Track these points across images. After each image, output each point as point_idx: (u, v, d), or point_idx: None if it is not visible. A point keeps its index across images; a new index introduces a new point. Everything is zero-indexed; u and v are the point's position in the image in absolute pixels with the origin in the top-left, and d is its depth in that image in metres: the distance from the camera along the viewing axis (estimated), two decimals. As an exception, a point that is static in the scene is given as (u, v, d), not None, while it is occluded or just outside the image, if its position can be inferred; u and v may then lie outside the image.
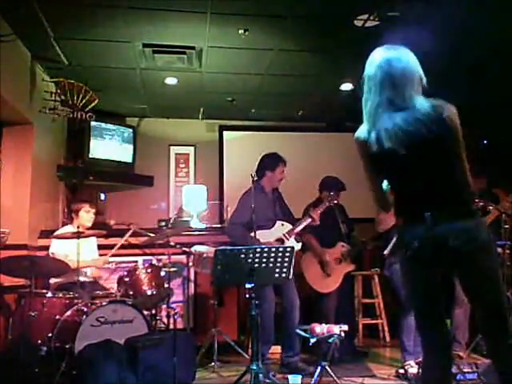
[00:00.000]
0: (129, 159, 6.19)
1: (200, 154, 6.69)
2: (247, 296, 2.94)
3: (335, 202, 4.15)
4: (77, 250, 3.76)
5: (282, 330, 3.93)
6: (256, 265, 2.93)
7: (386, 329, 5.33)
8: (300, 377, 3.47)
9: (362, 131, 2.03)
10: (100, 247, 4.54)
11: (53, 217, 5.40)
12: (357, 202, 4.74)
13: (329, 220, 4.34)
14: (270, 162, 4.11)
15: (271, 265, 3.00)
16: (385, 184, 2.11)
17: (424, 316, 2.04)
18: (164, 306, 4.28)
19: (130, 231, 4.47)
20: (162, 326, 4.27)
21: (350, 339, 4.35)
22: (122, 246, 4.46)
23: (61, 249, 4.11)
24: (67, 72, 4.80)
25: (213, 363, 4.04)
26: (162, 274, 4.06)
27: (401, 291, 3.78)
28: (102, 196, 5.97)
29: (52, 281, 4.08)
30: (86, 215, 4.32)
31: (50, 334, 3.40)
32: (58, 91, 4.79)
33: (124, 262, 4.59)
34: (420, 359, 3.54)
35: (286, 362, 3.89)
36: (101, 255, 4.49)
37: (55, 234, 4.23)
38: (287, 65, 4.89)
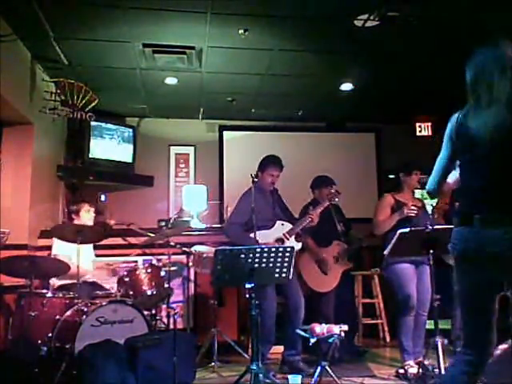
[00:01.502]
0: (129, 159, 6.19)
1: (200, 154, 6.69)
2: (247, 296, 2.94)
3: (337, 199, 4.14)
4: (77, 251, 3.76)
5: (286, 328, 3.92)
6: (256, 265, 2.93)
7: (386, 329, 5.34)
8: (300, 377, 3.47)
9: (456, 114, 2.09)
10: (100, 247, 4.54)
11: (53, 217, 5.40)
12: (355, 202, 4.75)
13: (325, 220, 4.34)
14: (263, 164, 4.11)
15: (271, 265, 2.99)
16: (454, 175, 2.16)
17: (473, 313, 2.06)
18: (164, 306, 4.29)
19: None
20: (162, 326, 4.27)
21: (349, 339, 4.35)
22: (122, 246, 4.46)
23: (63, 250, 4.11)
24: (67, 72, 4.80)
25: (213, 363, 4.04)
26: (162, 274, 4.06)
27: (398, 291, 3.79)
28: (103, 197, 5.97)
29: (52, 281, 4.08)
30: (87, 214, 4.34)
31: (50, 334, 3.40)
32: (58, 91, 4.80)
33: (124, 262, 4.59)
34: (420, 359, 3.56)
35: (287, 360, 3.88)
36: (99, 256, 4.49)
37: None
38: (287, 65, 4.89)
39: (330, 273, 4.34)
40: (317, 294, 4.33)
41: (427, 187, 2.23)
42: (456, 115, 2.09)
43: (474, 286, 2.02)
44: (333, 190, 4.22)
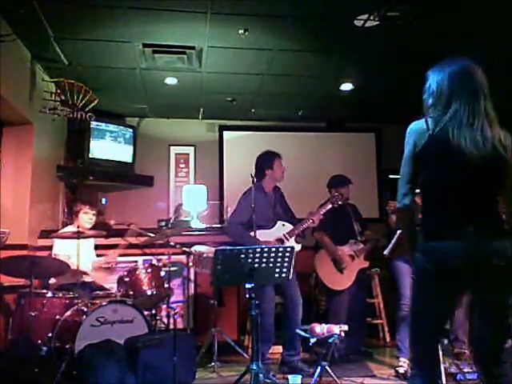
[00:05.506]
0: (129, 159, 6.19)
1: (200, 154, 6.69)
2: (247, 296, 2.93)
3: (339, 202, 4.14)
4: (77, 251, 3.76)
5: (285, 328, 3.92)
6: (256, 265, 2.92)
7: (386, 329, 5.33)
8: (300, 377, 3.47)
9: (422, 123, 2.01)
10: (100, 247, 4.54)
11: (53, 217, 5.40)
12: (355, 202, 4.74)
13: (341, 218, 4.38)
14: (266, 161, 4.12)
15: (271, 265, 2.99)
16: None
17: (433, 333, 2.04)
18: (164, 306, 4.28)
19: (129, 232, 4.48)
20: (162, 326, 4.26)
21: (358, 339, 4.36)
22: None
23: (63, 250, 4.11)
24: (67, 72, 4.80)
25: (213, 363, 4.03)
26: (162, 274, 4.06)
27: (398, 289, 3.82)
28: (104, 200, 5.97)
29: (52, 281, 4.08)
30: (85, 216, 4.31)
31: (50, 334, 3.40)
32: (58, 91, 4.79)
33: (124, 262, 4.59)
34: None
35: (286, 360, 3.88)
36: (99, 255, 4.49)
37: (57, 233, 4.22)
38: (287, 65, 4.89)
39: (346, 271, 4.35)
40: (330, 291, 4.35)
41: (399, 204, 2.06)
42: (420, 124, 2.01)
43: (450, 301, 2.00)
44: (336, 193, 4.23)
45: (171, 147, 6.65)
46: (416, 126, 2.03)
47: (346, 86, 5.50)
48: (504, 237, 1.92)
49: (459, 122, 1.94)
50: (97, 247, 4.53)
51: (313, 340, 3.42)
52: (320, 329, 3.44)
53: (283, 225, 3.99)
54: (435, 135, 1.95)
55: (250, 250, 2.92)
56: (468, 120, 1.94)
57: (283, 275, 3.07)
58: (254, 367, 2.89)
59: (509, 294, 1.92)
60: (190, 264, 4.53)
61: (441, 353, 2.98)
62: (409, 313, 3.78)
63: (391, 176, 6.90)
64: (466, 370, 3.35)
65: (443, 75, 2.03)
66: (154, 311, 4.00)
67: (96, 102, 4.93)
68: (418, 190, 2.10)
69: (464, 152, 1.90)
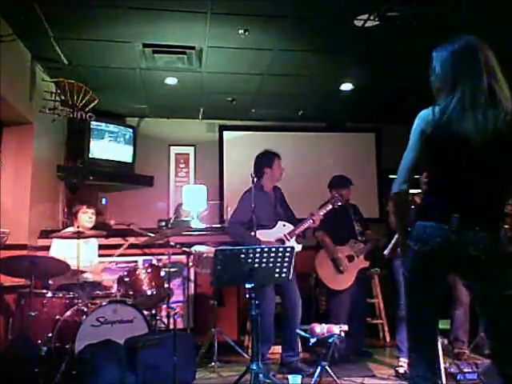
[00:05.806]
0: (129, 159, 6.19)
1: (200, 154, 6.70)
2: (247, 296, 2.93)
3: (339, 203, 4.14)
4: (77, 251, 3.76)
5: (283, 329, 3.93)
6: (256, 265, 2.92)
7: (385, 329, 5.33)
8: (300, 377, 3.47)
9: (429, 111, 1.99)
10: (100, 247, 4.54)
11: (53, 217, 5.40)
12: (354, 202, 4.73)
13: (342, 218, 4.38)
14: (266, 160, 4.11)
15: (271, 265, 2.99)
16: None
17: (426, 318, 2.01)
18: (164, 306, 4.29)
19: (126, 245, 4.47)
20: (162, 326, 4.27)
21: (358, 338, 4.36)
22: (122, 246, 4.46)
23: (60, 251, 4.10)
24: (67, 72, 4.80)
25: (213, 363, 4.04)
26: (162, 274, 4.06)
27: (399, 289, 3.82)
28: (104, 200, 5.97)
29: (52, 281, 4.07)
30: (85, 216, 4.32)
31: (50, 334, 3.40)
32: (58, 91, 4.80)
33: (124, 262, 4.59)
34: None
35: (286, 361, 3.88)
36: (101, 256, 4.49)
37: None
38: (287, 65, 4.89)
39: (346, 271, 4.34)
40: (330, 292, 4.36)
41: (397, 189, 2.02)
42: (428, 112, 1.98)
43: (438, 287, 1.98)
44: (336, 195, 4.23)
45: (171, 147, 6.65)
46: (424, 114, 2.01)
47: (346, 86, 5.50)
48: (487, 228, 1.89)
49: (463, 108, 1.91)
50: (99, 247, 4.53)
51: (313, 340, 3.42)
52: (320, 329, 3.44)
53: (284, 225, 3.99)
54: (440, 124, 1.93)
55: (250, 250, 2.91)
56: (471, 104, 1.90)
57: (283, 275, 3.07)
58: (254, 367, 2.88)
59: (487, 283, 1.90)
60: (190, 264, 4.53)
61: (441, 353, 3.01)
62: None
63: (391, 176, 6.89)
64: (466, 370, 3.35)
65: (446, 56, 2.05)
66: (154, 311, 4.00)
67: (96, 102, 4.93)
68: (417, 191, 2.09)
69: (466, 139, 1.88)
